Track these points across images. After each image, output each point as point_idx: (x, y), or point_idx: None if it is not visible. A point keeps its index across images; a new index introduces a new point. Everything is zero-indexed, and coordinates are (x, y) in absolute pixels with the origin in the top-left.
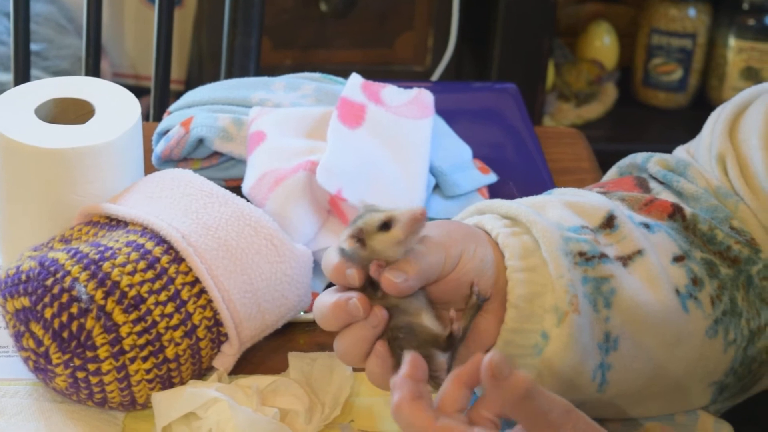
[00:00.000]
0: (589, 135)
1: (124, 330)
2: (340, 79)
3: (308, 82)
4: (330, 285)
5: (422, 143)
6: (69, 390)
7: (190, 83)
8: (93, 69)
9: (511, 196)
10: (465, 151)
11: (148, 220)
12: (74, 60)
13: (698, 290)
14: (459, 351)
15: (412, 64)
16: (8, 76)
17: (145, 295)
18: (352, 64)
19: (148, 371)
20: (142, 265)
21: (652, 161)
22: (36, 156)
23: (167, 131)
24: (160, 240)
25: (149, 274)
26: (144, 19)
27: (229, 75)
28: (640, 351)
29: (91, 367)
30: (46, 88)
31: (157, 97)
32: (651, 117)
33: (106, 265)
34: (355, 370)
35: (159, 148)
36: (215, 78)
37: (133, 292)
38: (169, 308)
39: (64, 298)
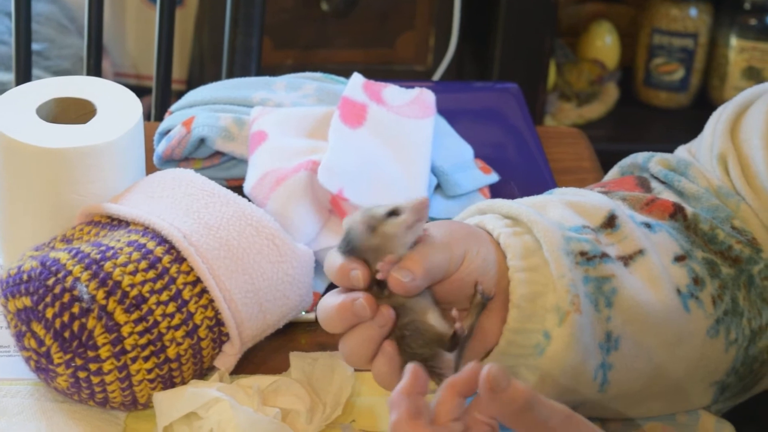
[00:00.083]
0: (590, 135)
1: (125, 330)
2: (341, 78)
3: (309, 82)
4: (331, 285)
5: (424, 143)
6: (70, 390)
7: (192, 83)
8: (94, 69)
9: (512, 196)
10: (466, 150)
11: (149, 220)
12: (76, 60)
13: (699, 290)
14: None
15: (414, 63)
16: (10, 76)
17: (147, 295)
18: (353, 64)
19: (149, 371)
20: (143, 264)
21: (654, 161)
22: (37, 156)
23: (168, 131)
24: (162, 240)
25: (151, 274)
26: (145, 18)
27: (231, 75)
28: (641, 351)
29: (93, 366)
30: (47, 87)
31: (158, 97)
32: (652, 117)
33: (108, 265)
34: (356, 370)
35: (160, 147)
36: (216, 78)
37: (134, 292)
38: (171, 308)
39: (66, 297)
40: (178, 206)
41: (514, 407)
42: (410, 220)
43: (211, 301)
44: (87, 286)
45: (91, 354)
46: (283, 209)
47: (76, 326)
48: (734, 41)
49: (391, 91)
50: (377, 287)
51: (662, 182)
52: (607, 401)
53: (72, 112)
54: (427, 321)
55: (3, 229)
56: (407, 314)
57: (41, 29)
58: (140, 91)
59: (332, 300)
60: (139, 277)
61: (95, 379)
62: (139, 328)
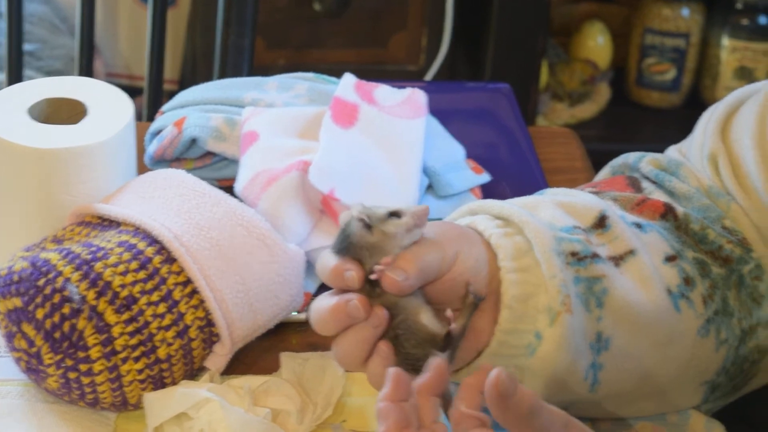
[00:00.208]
0: (582, 135)
1: (116, 330)
2: (333, 78)
3: (301, 82)
4: (323, 286)
5: (415, 143)
6: (61, 390)
7: (184, 83)
8: (86, 69)
9: (504, 196)
10: (458, 151)
11: (140, 220)
12: (68, 60)
13: (690, 290)
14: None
15: (406, 63)
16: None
17: (137, 296)
18: (345, 64)
19: (139, 371)
20: (134, 265)
21: (644, 161)
22: (29, 156)
23: (160, 131)
24: (153, 240)
25: (141, 275)
26: (137, 19)
27: (223, 75)
28: (632, 351)
29: (83, 367)
30: (39, 88)
31: (150, 97)
32: (644, 117)
33: (98, 266)
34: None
35: (152, 148)
36: (208, 78)
37: (125, 293)
38: (161, 308)
39: (56, 298)
40: (169, 206)
41: (521, 413)
42: (410, 223)
43: (202, 301)
44: (77, 287)
45: (81, 355)
46: (274, 209)
47: (66, 327)
48: (726, 41)
49: (383, 91)
50: (369, 286)
51: (653, 182)
52: (597, 401)
53: (64, 112)
54: (420, 321)
55: None
56: (399, 313)
57: (33, 30)
58: (132, 92)
59: (325, 302)
60: (129, 278)
61: (85, 380)
62: (130, 328)
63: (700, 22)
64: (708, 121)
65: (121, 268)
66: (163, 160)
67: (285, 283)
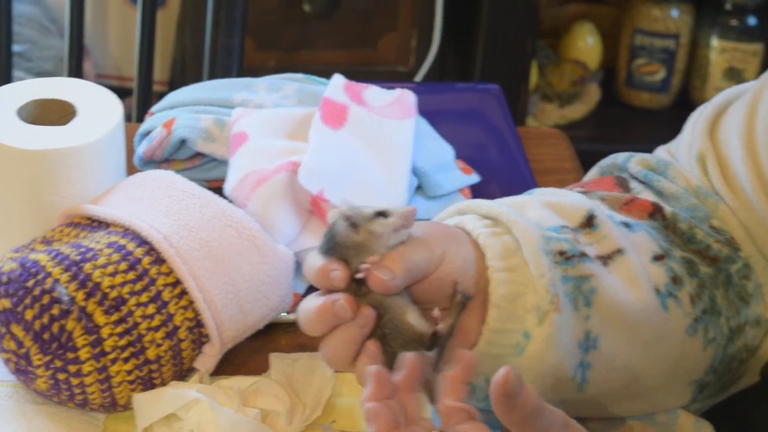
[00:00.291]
0: (572, 135)
1: (105, 331)
2: (322, 79)
3: (290, 83)
4: (312, 287)
5: (404, 144)
6: (50, 391)
7: (173, 84)
8: (76, 70)
9: (493, 197)
10: (447, 151)
11: (129, 221)
12: (57, 61)
13: (678, 289)
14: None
15: (396, 64)
16: None
17: (127, 297)
18: (335, 65)
19: (129, 372)
20: (123, 266)
21: (633, 161)
22: (18, 157)
23: (149, 132)
24: (142, 241)
25: (131, 276)
26: (127, 19)
27: (212, 76)
28: (620, 350)
29: (72, 368)
30: (28, 89)
31: (139, 98)
32: (634, 117)
33: (88, 267)
34: (336, 371)
35: (141, 149)
36: (198, 79)
37: (114, 294)
38: (151, 309)
39: (45, 299)
40: (159, 207)
41: (525, 413)
42: (397, 223)
43: (191, 302)
44: (66, 288)
45: (70, 356)
46: (264, 210)
47: (55, 328)
48: (715, 42)
49: (372, 92)
50: (355, 286)
51: (641, 182)
52: (586, 400)
53: (53, 113)
54: (406, 320)
55: None
56: (386, 312)
57: (23, 30)
58: (122, 93)
59: (312, 303)
60: (118, 279)
61: (75, 381)
62: (119, 329)
63: (690, 22)
64: (696, 121)
65: (111, 269)
66: (152, 161)
67: (274, 284)
